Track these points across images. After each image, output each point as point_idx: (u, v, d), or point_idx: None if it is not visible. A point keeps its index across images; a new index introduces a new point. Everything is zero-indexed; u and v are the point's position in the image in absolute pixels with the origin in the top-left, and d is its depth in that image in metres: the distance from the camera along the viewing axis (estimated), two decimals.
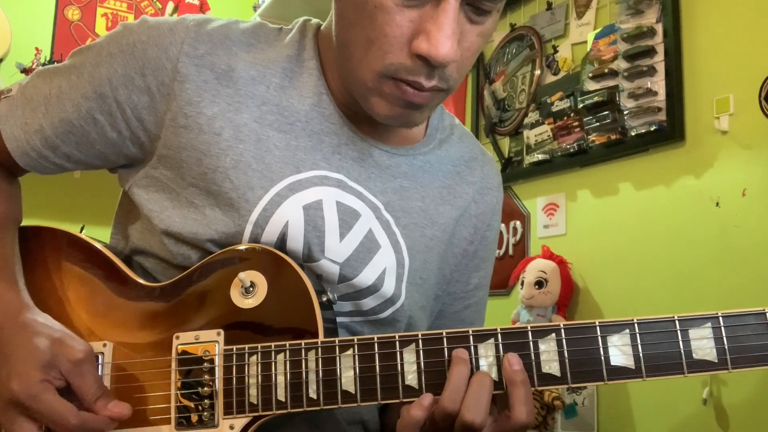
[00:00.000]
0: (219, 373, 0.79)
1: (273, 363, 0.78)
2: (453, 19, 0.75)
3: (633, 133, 2.06)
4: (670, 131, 1.97)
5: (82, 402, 0.76)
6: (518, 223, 2.53)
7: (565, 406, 2.10)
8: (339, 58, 0.85)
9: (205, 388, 0.79)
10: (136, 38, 0.86)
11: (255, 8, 3.15)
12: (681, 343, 0.73)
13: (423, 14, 0.75)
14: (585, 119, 2.21)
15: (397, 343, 0.76)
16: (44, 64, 2.75)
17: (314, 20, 0.96)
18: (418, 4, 0.75)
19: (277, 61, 0.89)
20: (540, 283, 2.19)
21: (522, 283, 2.25)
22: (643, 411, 2.00)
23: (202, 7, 3.18)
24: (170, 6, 3.18)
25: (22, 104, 0.90)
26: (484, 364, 0.75)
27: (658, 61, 2.02)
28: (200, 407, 0.79)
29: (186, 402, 0.79)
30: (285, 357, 0.78)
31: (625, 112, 2.08)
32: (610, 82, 2.15)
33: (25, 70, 2.73)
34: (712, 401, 1.81)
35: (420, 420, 0.74)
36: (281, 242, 0.84)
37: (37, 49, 2.85)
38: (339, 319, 0.88)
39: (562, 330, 0.75)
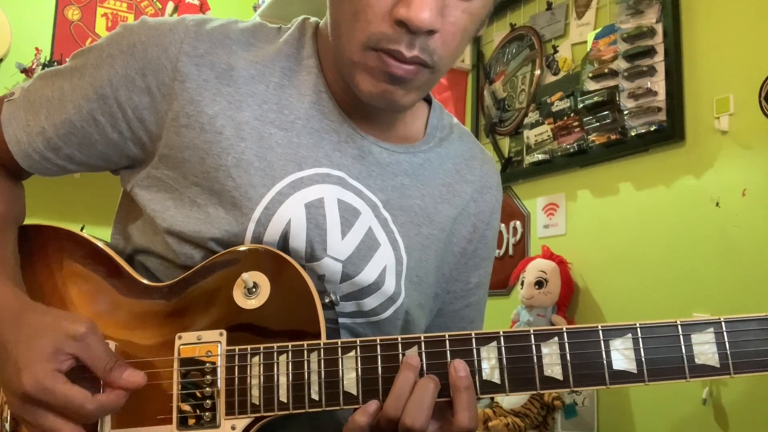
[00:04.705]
0: (221, 373, 0.79)
1: (275, 364, 0.78)
2: None
3: (633, 133, 2.06)
4: (670, 131, 1.97)
5: (96, 374, 0.76)
6: (518, 223, 2.53)
7: (565, 406, 2.10)
8: (332, 41, 0.86)
9: (207, 389, 0.79)
10: (136, 39, 0.86)
11: (255, 8, 3.15)
12: (683, 347, 0.73)
13: None
14: (585, 119, 2.21)
15: (400, 345, 0.77)
16: (44, 64, 2.75)
17: (313, 19, 0.96)
18: None
19: (276, 60, 0.90)
20: (540, 283, 2.19)
21: (522, 283, 2.26)
22: (643, 411, 2.01)
23: (202, 7, 3.18)
24: (170, 6, 3.18)
25: (24, 107, 0.90)
26: (486, 366, 0.75)
27: (658, 61, 2.02)
28: (202, 407, 0.79)
29: (188, 402, 0.79)
30: (287, 358, 0.78)
31: (625, 112, 2.08)
32: (610, 82, 2.15)
33: (25, 70, 2.73)
34: (712, 401, 1.81)
35: (364, 426, 0.74)
36: (284, 240, 0.84)
37: (37, 49, 2.85)
38: (341, 320, 0.88)
39: (565, 334, 0.75)
